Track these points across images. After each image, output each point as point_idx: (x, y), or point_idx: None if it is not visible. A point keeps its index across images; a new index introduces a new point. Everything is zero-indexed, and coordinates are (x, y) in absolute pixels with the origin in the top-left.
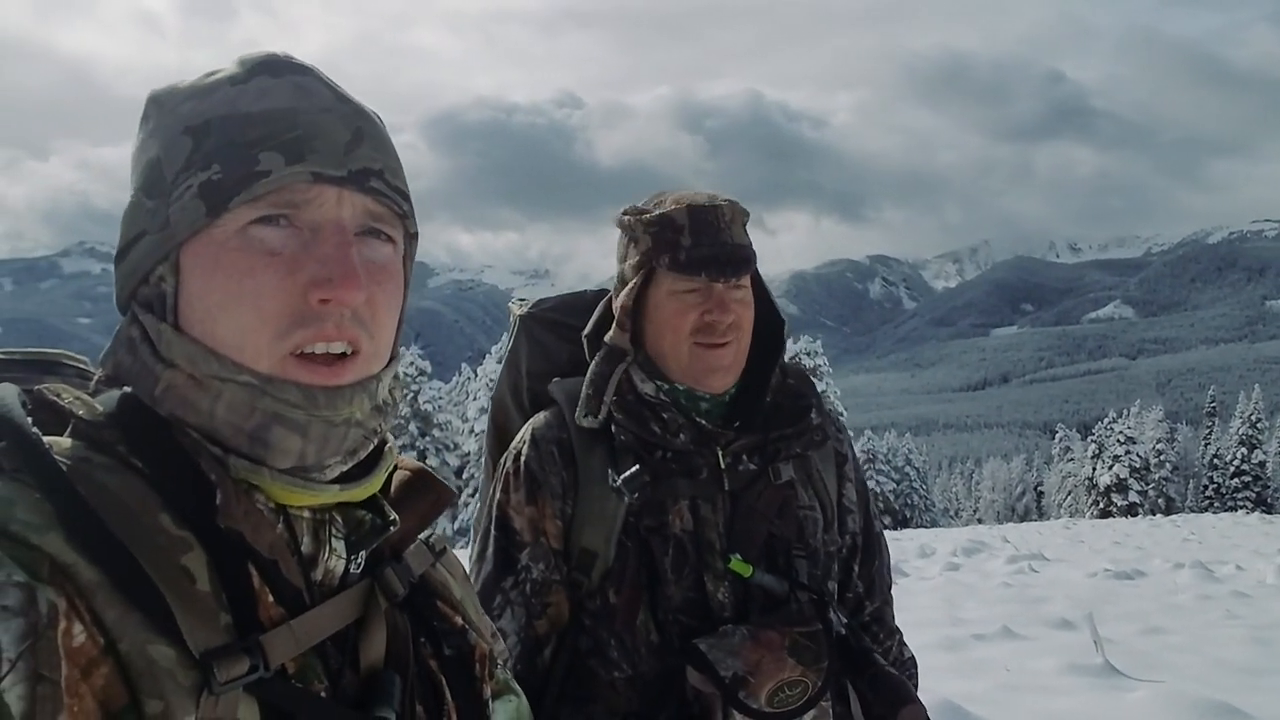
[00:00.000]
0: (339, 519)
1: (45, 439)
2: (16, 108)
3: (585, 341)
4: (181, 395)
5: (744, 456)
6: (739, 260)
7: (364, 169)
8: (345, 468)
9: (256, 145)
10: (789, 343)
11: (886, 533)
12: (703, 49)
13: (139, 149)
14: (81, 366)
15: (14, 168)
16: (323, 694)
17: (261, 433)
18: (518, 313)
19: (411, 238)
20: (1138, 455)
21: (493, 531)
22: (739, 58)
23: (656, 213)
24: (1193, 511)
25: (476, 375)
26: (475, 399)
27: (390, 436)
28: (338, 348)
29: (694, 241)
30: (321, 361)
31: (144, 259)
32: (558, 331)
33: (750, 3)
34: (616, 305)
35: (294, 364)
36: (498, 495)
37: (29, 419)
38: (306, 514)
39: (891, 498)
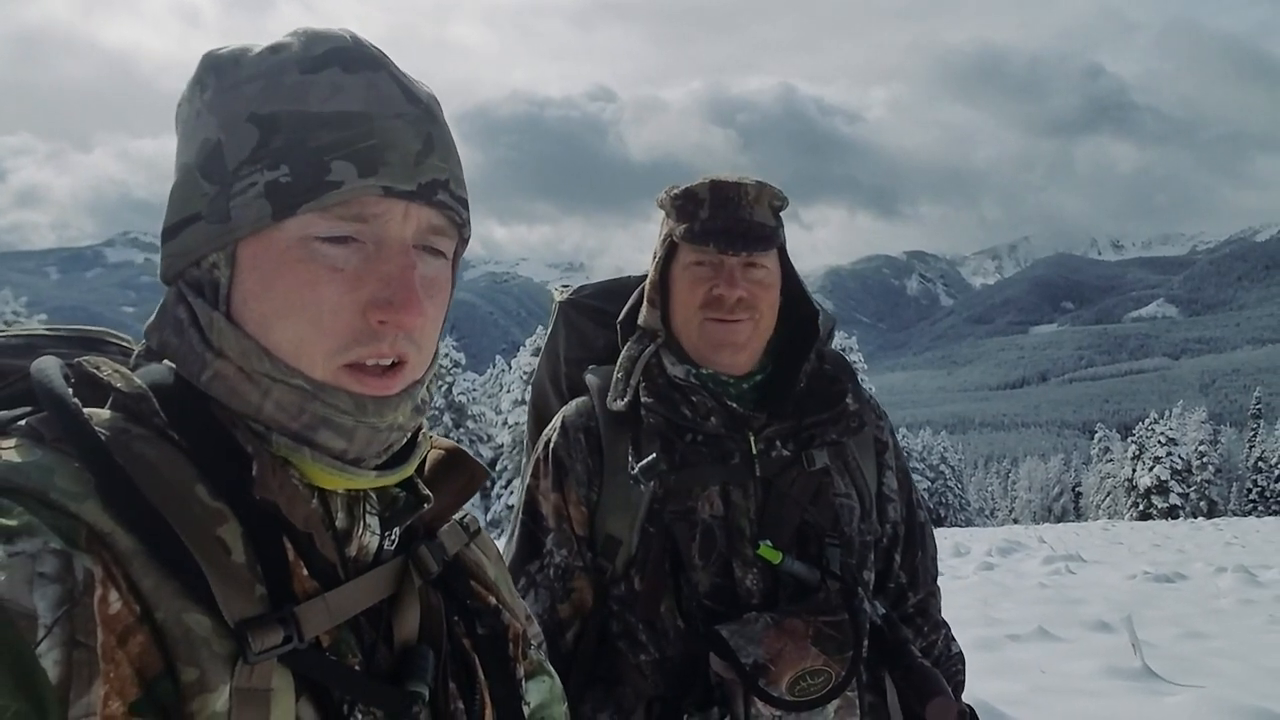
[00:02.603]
0: (373, 495)
1: (85, 410)
2: (61, 101)
3: (619, 327)
4: (230, 386)
5: (777, 442)
6: (752, 236)
7: (432, 181)
8: (381, 461)
9: (329, 151)
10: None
11: None
12: (736, 42)
13: (193, 116)
14: (124, 344)
15: (59, 159)
16: (356, 667)
17: (308, 433)
18: (558, 299)
19: (463, 239)
20: (1179, 457)
21: (521, 516)
22: (773, 52)
23: (683, 187)
24: (1236, 515)
25: (511, 368)
26: (509, 391)
27: (425, 423)
28: (388, 361)
29: (710, 214)
30: (373, 372)
31: (198, 244)
32: (596, 318)
33: None
34: (646, 282)
35: (346, 374)
36: (528, 480)
37: (70, 390)
38: (341, 490)
39: (926, 496)
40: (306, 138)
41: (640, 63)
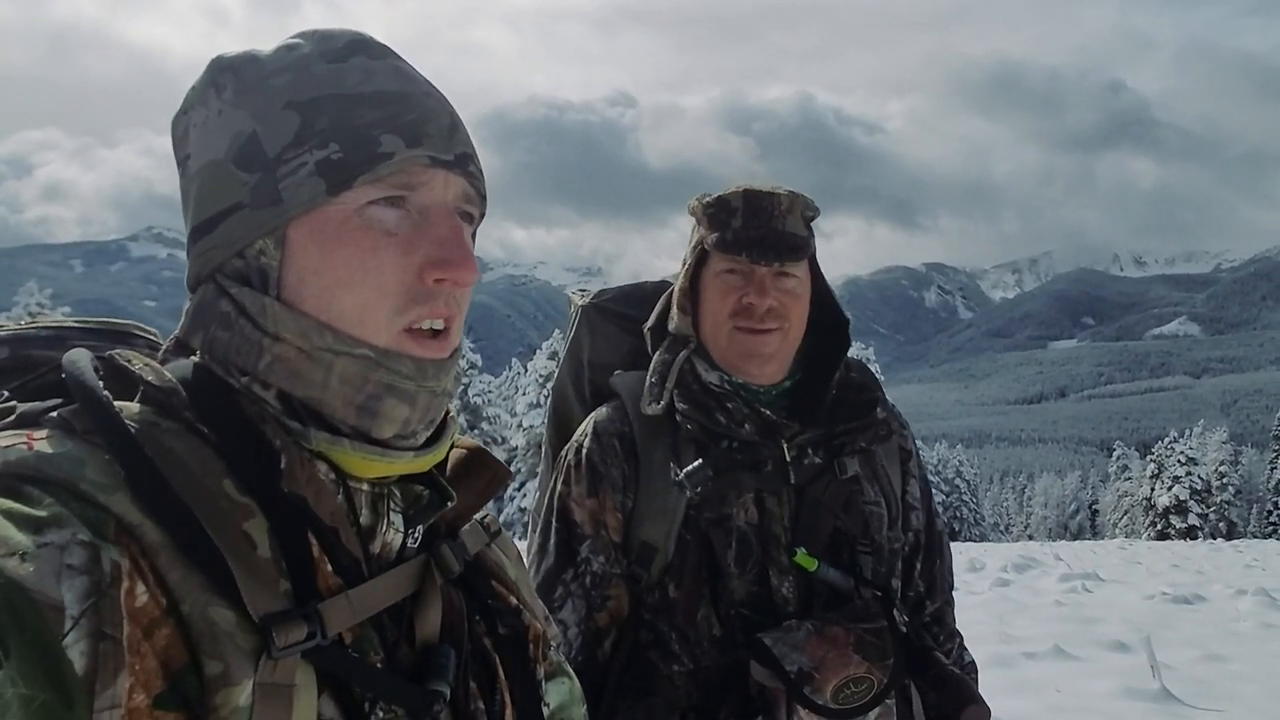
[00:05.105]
0: (397, 492)
1: (115, 403)
2: (88, 97)
3: (649, 334)
4: (292, 368)
5: (809, 450)
6: (785, 246)
7: (464, 153)
8: (429, 434)
9: (376, 127)
10: None
11: None
12: (756, 51)
13: (213, 116)
14: (151, 338)
15: (85, 154)
16: (379, 665)
17: (373, 404)
18: (579, 303)
19: (480, 214)
20: (1199, 477)
21: (554, 524)
22: (791, 61)
23: (715, 195)
24: (1256, 537)
25: (527, 370)
26: (525, 394)
27: (451, 406)
28: (439, 324)
29: (743, 223)
30: (427, 335)
31: (244, 231)
32: (619, 322)
33: (803, 5)
34: (676, 289)
35: (407, 338)
36: (559, 487)
37: (101, 383)
38: (365, 487)
39: (941, 510)
40: (352, 116)
41: (660, 69)
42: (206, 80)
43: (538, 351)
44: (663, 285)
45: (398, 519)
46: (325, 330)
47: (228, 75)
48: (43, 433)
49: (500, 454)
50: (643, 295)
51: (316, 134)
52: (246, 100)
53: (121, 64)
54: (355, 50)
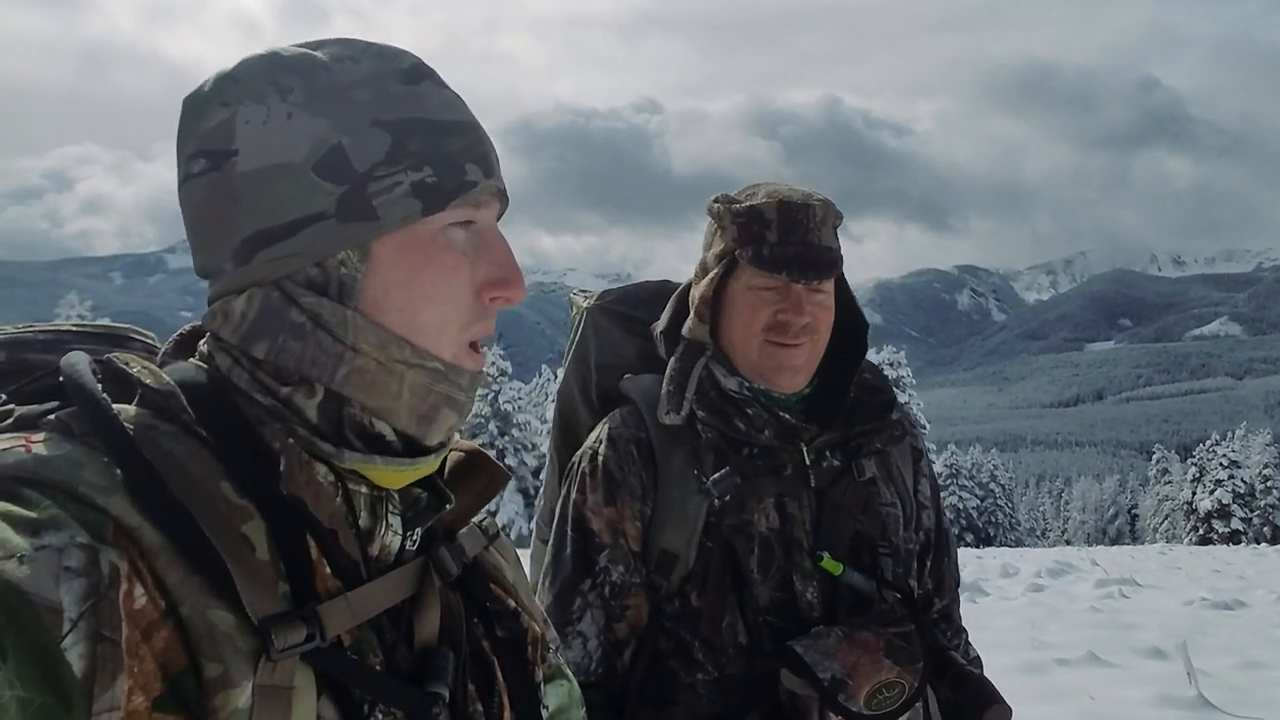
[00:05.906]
0: (395, 495)
1: (113, 406)
2: (125, 111)
3: (661, 337)
4: (370, 380)
5: (827, 452)
6: (823, 263)
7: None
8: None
9: (460, 156)
10: (871, 352)
11: (968, 550)
12: (780, 55)
13: (281, 117)
14: (148, 341)
15: (123, 168)
16: (377, 667)
17: (433, 413)
18: (583, 305)
19: None
20: (1242, 480)
21: (570, 533)
22: (816, 64)
23: (746, 204)
24: None
25: (556, 377)
26: (554, 400)
27: None
28: (490, 335)
29: (780, 238)
30: (476, 349)
31: (328, 242)
32: (624, 324)
33: (828, 8)
34: (695, 294)
35: (465, 353)
36: (573, 495)
37: (99, 386)
38: (364, 489)
39: (974, 514)
40: (441, 143)
41: (685, 75)
42: (264, 77)
43: None
44: (665, 285)
45: (396, 521)
46: (404, 344)
47: (292, 77)
48: (40, 435)
49: (531, 460)
50: (647, 295)
51: (409, 155)
52: (323, 108)
53: (156, 78)
54: (423, 74)
